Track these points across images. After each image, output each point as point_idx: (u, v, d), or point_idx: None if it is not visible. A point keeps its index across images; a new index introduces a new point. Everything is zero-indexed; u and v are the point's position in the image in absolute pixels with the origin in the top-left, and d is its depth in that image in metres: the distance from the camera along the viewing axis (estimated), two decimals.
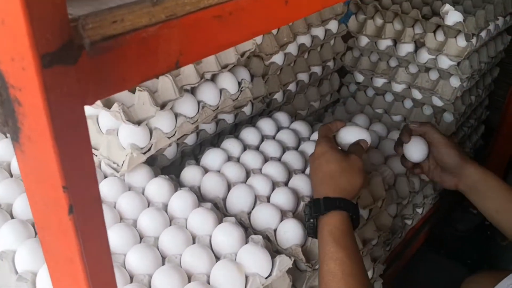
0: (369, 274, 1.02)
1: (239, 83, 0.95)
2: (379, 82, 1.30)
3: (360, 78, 1.33)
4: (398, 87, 1.27)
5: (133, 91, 0.80)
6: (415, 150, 0.95)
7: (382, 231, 0.98)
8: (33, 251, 0.66)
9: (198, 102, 0.88)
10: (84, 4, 0.35)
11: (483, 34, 1.16)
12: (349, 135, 0.87)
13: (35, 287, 0.64)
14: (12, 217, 0.74)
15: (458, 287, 1.32)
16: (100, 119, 0.83)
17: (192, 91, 0.89)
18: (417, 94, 1.25)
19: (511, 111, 1.40)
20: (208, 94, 0.89)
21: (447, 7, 1.12)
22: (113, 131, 0.80)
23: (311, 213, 0.74)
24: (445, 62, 1.16)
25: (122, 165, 0.80)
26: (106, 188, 0.80)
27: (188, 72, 0.85)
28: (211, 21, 0.42)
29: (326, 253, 0.69)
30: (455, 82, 1.19)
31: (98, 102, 0.79)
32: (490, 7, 1.19)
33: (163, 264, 0.69)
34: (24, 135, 0.31)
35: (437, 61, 1.17)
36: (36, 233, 0.71)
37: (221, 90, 0.92)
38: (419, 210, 1.21)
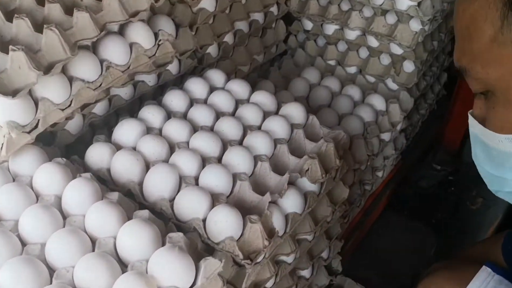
0: (325, 254, 0.88)
1: (156, 35, 0.76)
2: (330, 29, 1.13)
3: (309, 25, 1.16)
4: (351, 34, 1.10)
5: (6, 52, 0.61)
6: None
7: (338, 205, 0.83)
8: None
9: (101, 62, 0.69)
10: None
11: None
12: None
13: None
14: None
15: (423, 248, 1.21)
16: None
17: (94, 48, 0.70)
18: (373, 42, 1.09)
19: None
20: (114, 51, 0.70)
21: None
22: None
23: None
24: (403, 3, 1.01)
25: (1, 149, 0.62)
26: None
27: (83, 24, 0.66)
28: None
29: None
30: (415, 25, 1.03)
31: None
32: None
33: (51, 281, 0.52)
34: None
35: (394, 2, 1.01)
36: None
37: (131, 45, 0.73)
38: (379, 174, 1.08)
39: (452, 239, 1.14)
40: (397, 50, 1.07)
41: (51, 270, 0.53)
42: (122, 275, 0.51)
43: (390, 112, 1.03)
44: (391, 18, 1.05)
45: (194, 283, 0.54)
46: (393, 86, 1.10)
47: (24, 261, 0.52)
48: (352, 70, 1.14)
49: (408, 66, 1.09)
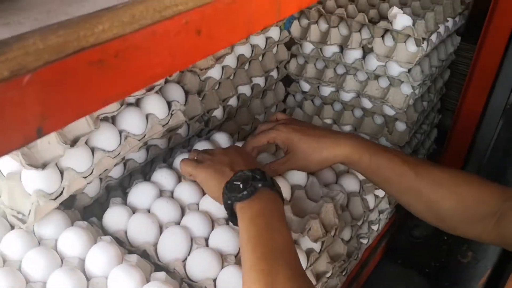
0: None
1: (169, 105, 0.83)
2: (327, 90, 1.21)
3: (306, 87, 1.24)
4: (346, 96, 1.18)
5: None
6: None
7: (337, 262, 0.89)
8: None
9: (120, 132, 0.76)
10: None
11: (433, 37, 1.09)
12: None
13: None
14: None
15: None
16: (0, 160, 0.69)
17: (113, 120, 0.77)
18: (367, 103, 1.16)
19: (464, 112, 1.34)
20: (132, 122, 0.77)
21: (395, 10, 1.04)
22: (15, 175, 0.67)
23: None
24: (395, 69, 1.09)
25: (29, 215, 0.67)
26: (11, 243, 0.67)
27: None
28: (88, 69, 0.31)
29: None
30: (406, 89, 1.11)
31: None
32: (439, 8, 1.12)
33: None
34: None
35: (386, 68, 1.09)
36: None
37: (147, 116, 0.80)
38: (375, 227, 1.13)
39: None
40: (389, 111, 1.14)
41: None
42: None
43: None
44: (383, 82, 1.13)
45: None
46: (386, 144, 1.17)
47: None
48: (347, 128, 1.21)
49: (400, 126, 1.16)
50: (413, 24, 1.03)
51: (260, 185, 0.66)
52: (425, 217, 0.80)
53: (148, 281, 0.63)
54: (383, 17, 1.10)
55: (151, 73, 0.35)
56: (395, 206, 1.21)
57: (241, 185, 0.66)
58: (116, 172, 0.85)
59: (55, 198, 0.68)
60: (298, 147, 0.82)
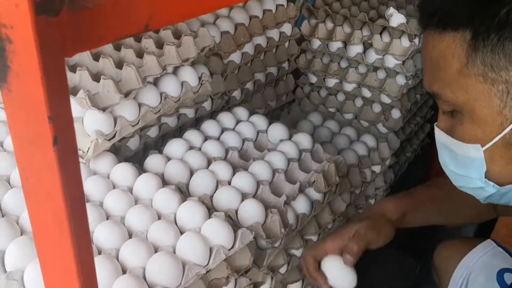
0: None
1: (200, 78, 1.00)
2: (331, 82, 1.37)
3: (313, 79, 1.41)
4: (349, 87, 1.35)
5: (97, 80, 0.84)
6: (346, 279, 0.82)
7: (337, 215, 1.03)
8: (22, 250, 0.66)
9: (161, 93, 0.92)
10: None
11: None
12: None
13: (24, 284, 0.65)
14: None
15: (409, 277, 1.38)
16: None
17: (155, 82, 0.93)
18: (366, 93, 1.33)
19: None
20: (170, 86, 0.93)
21: (391, 10, 1.21)
22: (79, 118, 0.83)
23: None
24: (391, 62, 1.25)
25: (88, 151, 0.83)
26: None
27: (151, 64, 0.89)
28: None
29: None
30: (400, 80, 1.27)
31: None
32: None
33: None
34: (12, 73, 0.35)
35: (384, 61, 1.26)
36: (22, 233, 0.72)
37: (182, 83, 0.96)
38: (371, 201, 1.28)
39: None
40: (386, 100, 1.31)
41: (130, 232, 0.73)
42: (184, 233, 0.71)
43: (380, 149, 1.26)
44: (381, 74, 1.30)
45: (232, 246, 0.74)
46: (383, 129, 1.33)
47: (113, 223, 0.72)
48: (349, 116, 1.37)
49: (395, 113, 1.32)
50: (407, 22, 1.20)
51: None
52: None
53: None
54: (381, 16, 1.27)
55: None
56: (390, 186, 1.36)
57: None
58: (153, 132, 1.01)
59: (110, 139, 0.84)
60: (357, 230, 0.85)
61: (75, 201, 0.39)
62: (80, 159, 0.84)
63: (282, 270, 0.91)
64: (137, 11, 0.44)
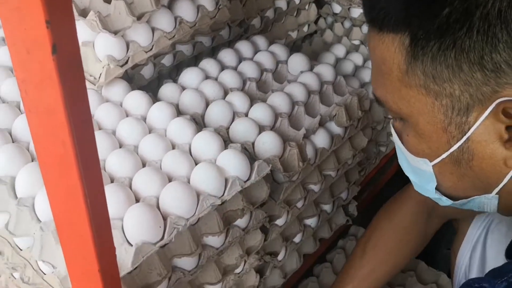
0: (344, 195, 1.04)
1: (217, 2, 0.94)
2: (356, 12, 1.30)
3: (337, 8, 1.33)
4: None
5: (109, 1, 0.79)
6: None
7: (358, 151, 1.00)
8: (32, 176, 0.65)
9: (175, 18, 0.87)
10: None
11: None
12: None
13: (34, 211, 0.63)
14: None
15: None
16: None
17: (169, 6, 0.88)
18: None
19: None
20: (185, 9, 0.88)
21: None
22: (89, 43, 0.79)
23: None
24: None
25: (99, 77, 0.79)
26: None
27: None
28: None
29: None
30: None
31: (74, 11, 0.77)
32: None
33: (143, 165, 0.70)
34: None
35: None
36: (33, 159, 0.69)
37: (198, 7, 0.90)
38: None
39: None
40: None
41: (143, 161, 0.71)
42: (199, 163, 0.69)
43: None
44: None
45: (249, 179, 0.71)
46: None
47: (125, 151, 0.69)
48: None
49: None
50: None
51: None
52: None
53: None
54: None
55: None
56: None
57: None
58: (167, 61, 0.96)
59: (122, 65, 0.80)
60: None
61: (79, 118, 0.36)
62: (92, 86, 0.80)
63: (299, 204, 0.89)
64: None
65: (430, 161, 0.54)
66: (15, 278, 0.69)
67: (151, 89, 0.95)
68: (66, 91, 0.33)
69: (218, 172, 0.67)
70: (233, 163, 0.70)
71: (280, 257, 0.90)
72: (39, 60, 0.32)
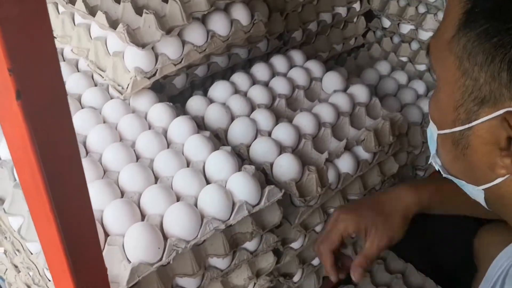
0: None
1: (252, 16, 0.93)
2: (406, 28, 1.25)
3: (387, 23, 1.28)
4: (424, 35, 1.22)
5: (140, 14, 0.80)
6: None
7: (387, 177, 0.96)
8: None
9: (208, 31, 0.87)
10: None
11: None
12: None
13: None
14: None
15: (468, 242, 1.29)
16: (108, 40, 0.83)
17: (203, 19, 0.88)
18: None
19: None
20: (219, 23, 0.88)
21: None
22: (120, 53, 0.81)
23: None
24: None
25: (127, 88, 0.81)
26: (109, 110, 0.81)
27: None
28: None
29: None
30: None
31: (105, 23, 0.79)
32: None
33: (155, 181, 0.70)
34: None
35: None
36: None
37: (232, 21, 0.90)
38: None
39: None
40: None
41: (157, 177, 0.72)
42: (208, 185, 0.68)
43: None
44: None
45: (258, 203, 0.70)
46: None
47: (139, 166, 0.70)
48: (421, 67, 1.25)
49: None
50: None
51: None
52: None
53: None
54: None
55: None
56: None
57: None
58: (201, 71, 0.97)
59: (149, 77, 0.81)
60: (374, 222, 0.76)
61: (53, 163, 0.36)
62: (119, 96, 0.82)
63: (318, 228, 0.87)
64: None
65: (437, 129, 0.56)
66: (30, 276, 0.73)
67: (184, 98, 0.96)
68: (33, 135, 0.34)
69: (225, 195, 0.67)
70: (243, 187, 0.69)
71: (295, 278, 0.89)
72: (5, 106, 0.33)
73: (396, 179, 1.02)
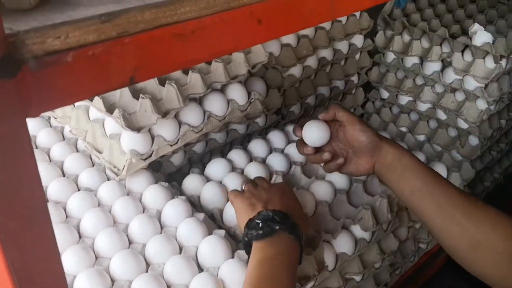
0: None
1: (249, 94, 0.95)
2: (404, 99, 1.26)
3: (385, 94, 1.30)
4: (423, 106, 1.23)
5: (137, 98, 0.82)
6: (316, 131, 0.81)
7: (387, 255, 0.94)
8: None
9: (204, 112, 0.89)
10: (31, 19, 0.36)
11: None
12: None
13: None
14: None
15: None
16: (106, 123, 0.84)
17: (200, 100, 0.90)
18: (441, 115, 1.20)
19: None
20: (215, 104, 0.89)
21: (476, 26, 1.07)
22: (116, 135, 0.82)
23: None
24: (471, 84, 1.12)
25: (122, 169, 0.82)
26: (105, 192, 0.82)
27: (195, 82, 0.86)
28: (171, 39, 0.42)
29: None
30: (481, 104, 1.13)
31: (102, 107, 0.81)
32: None
33: (147, 271, 0.69)
34: None
35: (463, 82, 1.13)
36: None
37: (229, 101, 0.91)
38: None
39: None
40: (463, 124, 1.17)
41: (148, 263, 0.71)
42: (199, 274, 0.67)
43: (451, 180, 1.13)
44: (459, 96, 1.17)
45: None
46: (457, 156, 1.20)
47: (130, 253, 0.70)
48: (421, 138, 1.26)
49: (473, 140, 1.19)
50: (493, 42, 1.06)
51: (277, 227, 0.66)
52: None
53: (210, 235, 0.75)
54: (465, 32, 1.14)
55: (218, 49, 0.46)
56: None
57: (260, 224, 0.66)
58: (199, 148, 0.98)
59: (145, 159, 0.82)
60: (356, 124, 0.79)
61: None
62: (115, 177, 0.83)
63: None
64: (120, 64, 0.40)
65: None
66: None
67: (182, 174, 0.96)
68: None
69: (216, 285, 0.66)
70: (235, 274, 0.68)
71: None
72: None
73: (394, 256, 1.00)
